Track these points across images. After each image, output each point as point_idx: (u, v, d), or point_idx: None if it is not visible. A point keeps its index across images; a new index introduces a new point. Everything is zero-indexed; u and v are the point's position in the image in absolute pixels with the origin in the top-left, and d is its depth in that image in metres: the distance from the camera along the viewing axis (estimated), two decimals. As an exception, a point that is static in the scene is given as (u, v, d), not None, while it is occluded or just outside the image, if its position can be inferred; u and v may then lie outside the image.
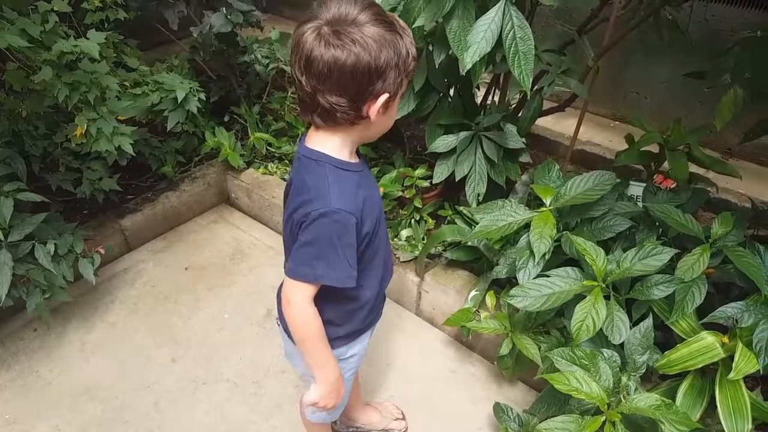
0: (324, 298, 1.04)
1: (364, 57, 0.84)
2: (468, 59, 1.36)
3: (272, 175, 2.52)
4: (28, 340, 1.96)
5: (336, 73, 0.85)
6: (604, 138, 2.86)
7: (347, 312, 1.14)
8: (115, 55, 2.13)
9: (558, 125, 2.78)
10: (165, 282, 2.23)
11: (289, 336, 1.18)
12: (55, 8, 1.67)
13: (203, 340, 1.99)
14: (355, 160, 1.02)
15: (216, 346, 1.96)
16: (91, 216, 2.28)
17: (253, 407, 1.76)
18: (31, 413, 1.73)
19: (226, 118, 2.65)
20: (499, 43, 1.36)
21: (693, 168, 1.88)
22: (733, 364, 1.22)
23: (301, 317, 1.02)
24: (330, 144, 0.96)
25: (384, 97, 0.89)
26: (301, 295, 1.00)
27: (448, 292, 1.91)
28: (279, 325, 1.25)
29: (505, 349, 1.63)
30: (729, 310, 1.35)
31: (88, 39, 1.70)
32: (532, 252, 1.47)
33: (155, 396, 1.79)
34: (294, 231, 0.98)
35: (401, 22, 0.90)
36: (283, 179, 2.49)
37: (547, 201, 1.58)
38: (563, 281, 1.43)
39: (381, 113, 0.92)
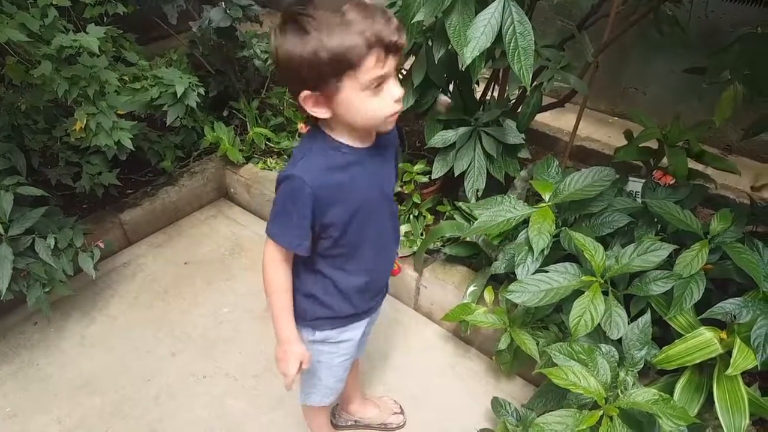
0: (310, 271, 1.13)
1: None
2: (468, 54, 1.36)
3: (271, 170, 2.52)
4: (28, 333, 1.97)
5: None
6: (603, 134, 2.85)
7: (330, 292, 1.15)
8: (114, 49, 2.13)
9: (557, 121, 2.78)
10: (164, 276, 2.23)
11: None
12: (55, 2, 1.67)
13: (203, 334, 1.99)
14: (360, 144, 1.02)
15: (215, 341, 1.97)
16: (91, 210, 2.29)
17: (252, 401, 1.77)
18: (31, 406, 1.73)
19: (225, 113, 2.64)
20: (498, 38, 1.36)
21: (692, 164, 1.88)
22: (731, 360, 1.23)
23: (265, 270, 1.10)
24: (330, 128, 1.01)
25: (304, 94, 0.92)
26: (269, 250, 1.08)
27: (446, 287, 1.91)
28: None
29: (503, 344, 1.64)
30: (727, 306, 1.36)
31: (87, 33, 1.69)
32: (530, 247, 1.47)
33: (155, 389, 1.79)
34: None
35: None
36: (283, 174, 2.50)
37: (546, 197, 1.58)
38: (562, 277, 1.44)
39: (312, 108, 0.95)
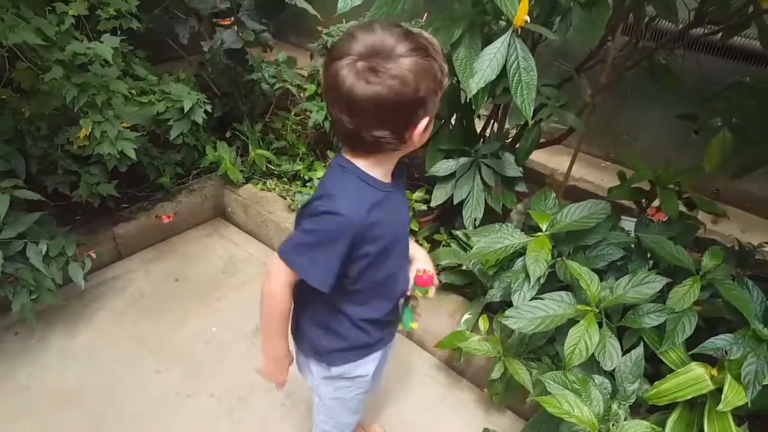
0: (326, 303, 1.09)
1: (405, 91, 0.86)
2: (474, 85, 1.41)
3: (271, 191, 2.53)
4: (8, 342, 1.91)
5: (379, 109, 0.87)
6: (596, 176, 2.92)
7: (345, 324, 1.13)
8: (123, 63, 2.16)
9: (552, 161, 2.85)
10: (154, 292, 2.20)
11: (301, 349, 1.22)
12: (72, 12, 1.71)
13: (189, 352, 1.95)
14: (387, 180, 1.03)
15: (201, 360, 1.93)
16: (84, 222, 2.26)
17: (235, 424, 1.72)
18: (7, 418, 1.67)
19: (228, 134, 2.67)
20: (502, 73, 1.41)
21: (682, 208, 1.92)
22: (722, 396, 1.24)
23: (272, 293, 1.04)
24: (364, 162, 0.98)
25: (425, 120, 0.92)
26: (281, 274, 1.01)
27: (440, 315, 1.91)
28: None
29: (496, 374, 1.62)
30: (718, 342, 1.38)
31: (101, 42, 1.73)
32: (527, 275, 1.49)
33: (136, 407, 1.74)
34: (297, 218, 1.02)
35: (432, 41, 0.91)
36: (282, 196, 2.51)
37: (544, 226, 1.61)
38: (557, 305, 1.45)
39: (421, 133, 0.94)
